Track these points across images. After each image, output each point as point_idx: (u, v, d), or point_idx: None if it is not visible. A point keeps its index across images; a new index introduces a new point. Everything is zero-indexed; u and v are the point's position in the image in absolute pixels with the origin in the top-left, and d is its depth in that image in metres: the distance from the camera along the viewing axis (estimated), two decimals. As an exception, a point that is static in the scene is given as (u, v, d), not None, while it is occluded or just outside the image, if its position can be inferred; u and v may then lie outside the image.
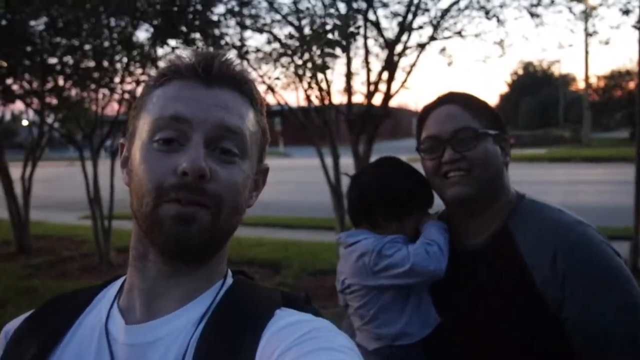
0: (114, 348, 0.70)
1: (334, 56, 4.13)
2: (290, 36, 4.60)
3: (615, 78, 30.95)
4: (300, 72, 4.90)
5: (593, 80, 32.30)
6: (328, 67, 4.25)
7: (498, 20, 4.56)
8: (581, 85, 35.90)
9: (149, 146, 0.70)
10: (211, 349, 0.65)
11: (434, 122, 1.26)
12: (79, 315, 0.76)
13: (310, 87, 4.77)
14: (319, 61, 4.10)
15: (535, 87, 48.00)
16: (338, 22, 3.99)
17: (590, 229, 1.15)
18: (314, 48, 4.12)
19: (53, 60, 6.08)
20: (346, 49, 4.38)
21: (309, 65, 4.29)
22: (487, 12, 4.51)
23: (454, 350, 1.24)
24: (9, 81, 6.46)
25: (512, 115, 53.07)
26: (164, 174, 0.68)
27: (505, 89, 56.97)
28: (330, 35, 3.90)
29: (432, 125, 1.26)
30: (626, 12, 4.52)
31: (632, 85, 28.05)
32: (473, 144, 1.20)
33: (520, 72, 53.86)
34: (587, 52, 26.76)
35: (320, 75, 4.59)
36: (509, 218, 1.22)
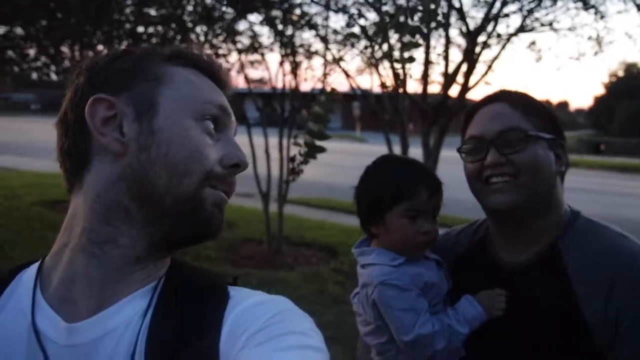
0: (51, 352, 0.61)
1: (417, 45, 3.94)
2: (375, 25, 4.46)
3: None
4: (376, 58, 4.76)
5: None
6: (414, 60, 4.06)
7: (596, 13, 4.14)
8: (690, 92, 32.76)
9: (193, 124, 0.68)
10: (168, 330, 0.63)
11: (478, 122, 1.14)
12: None
13: (387, 73, 4.63)
14: (405, 53, 3.93)
15: (636, 91, 44.69)
16: (419, 7, 3.80)
17: None
18: (394, 36, 3.95)
19: (141, 29, 6.34)
20: (427, 37, 4.15)
21: (391, 56, 4.13)
22: (585, 3, 4.11)
23: None
24: (101, 48, 6.83)
25: (606, 119, 49.71)
26: (214, 161, 0.69)
27: (601, 91, 53.54)
28: (409, 21, 3.72)
29: (476, 125, 1.14)
30: None
31: None
32: (521, 146, 1.07)
33: (621, 73, 50.44)
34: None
35: (397, 64, 4.43)
36: (559, 237, 1.08)
